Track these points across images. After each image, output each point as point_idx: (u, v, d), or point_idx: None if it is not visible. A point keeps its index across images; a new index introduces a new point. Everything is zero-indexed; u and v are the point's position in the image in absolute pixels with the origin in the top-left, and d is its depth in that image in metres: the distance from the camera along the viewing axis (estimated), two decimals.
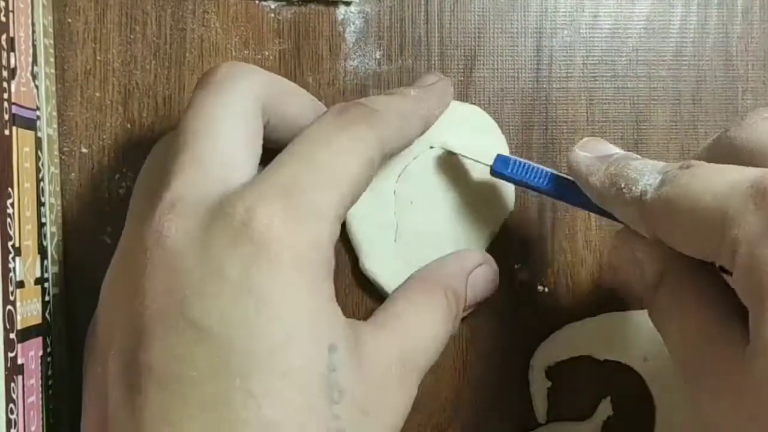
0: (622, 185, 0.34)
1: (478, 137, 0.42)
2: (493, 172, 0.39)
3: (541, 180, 0.39)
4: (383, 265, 0.41)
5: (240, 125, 0.34)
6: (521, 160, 0.39)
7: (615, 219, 0.36)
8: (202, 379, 0.30)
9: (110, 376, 0.32)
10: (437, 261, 0.40)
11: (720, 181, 0.31)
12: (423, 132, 0.38)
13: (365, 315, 0.38)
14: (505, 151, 0.42)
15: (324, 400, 0.31)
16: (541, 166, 0.39)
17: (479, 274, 0.40)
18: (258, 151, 0.35)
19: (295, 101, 0.37)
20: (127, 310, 0.32)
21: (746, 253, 0.29)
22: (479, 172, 0.41)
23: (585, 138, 0.37)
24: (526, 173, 0.39)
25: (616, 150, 0.37)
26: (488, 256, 0.41)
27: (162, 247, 0.31)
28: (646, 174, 0.34)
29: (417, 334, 0.36)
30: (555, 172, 0.39)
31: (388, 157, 0.35)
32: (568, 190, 0.38)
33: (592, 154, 0.37)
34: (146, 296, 0.31)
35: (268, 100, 0.35)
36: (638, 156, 0.36)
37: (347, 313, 0.34)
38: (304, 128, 0.34)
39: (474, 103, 0.43)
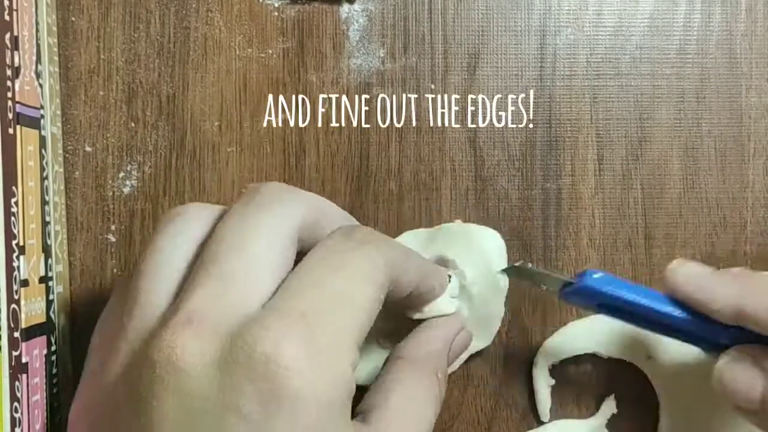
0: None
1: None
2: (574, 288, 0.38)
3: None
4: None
5: (275, 250, 0.32)
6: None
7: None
8: None
9: None
10: (421, 334, 0.39)
11: None
12: (416, 284, 0.36)
13: None
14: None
15: None
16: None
17: (458, 341, 0.40)
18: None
19: (331, 226, 0.35)
20: (134, 428, 0.30)
21: None
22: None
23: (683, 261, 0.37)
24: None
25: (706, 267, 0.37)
26: (461, 316, 0.41)
27: (174, 367, 0.29)
28: None
29: (414, 427, 0.35)
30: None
31: (393, 285, 0.34)
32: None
33: (694, 273, 0.36)
34: (155, 419, 0.30)
35: (306, 228, 0.34)
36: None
37: None
38: (316, 249, 0.33)
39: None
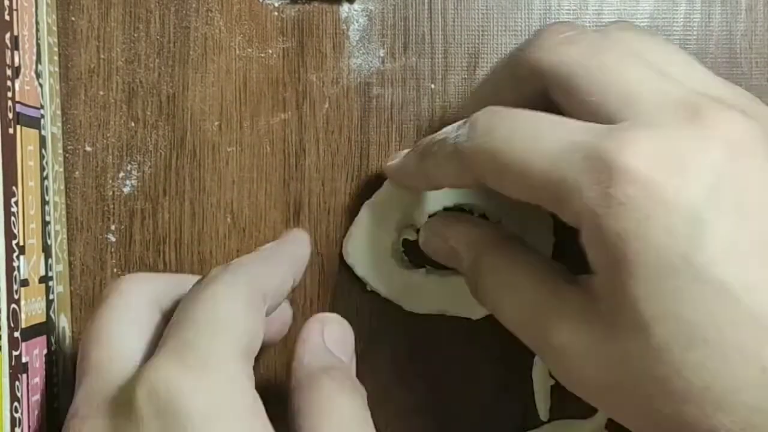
0: (435, 149, 0.36)
1: None
2: None
3: None
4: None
5: (127, 329, 0.34)
6: None
7: None
8: None
9: None
10: (299, 346, 0.36)
11: (550, 142, 0.32)
12: (297, 274, 0.37)
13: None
14: None
15: None
16: None
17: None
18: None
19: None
20: None
21: (593, 226, 0.30)
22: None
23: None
24: None
25: None
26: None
27: None
28: (452, 131, 0.35)
29: None
30: None
31: (274, 295, 0.35)
32: None
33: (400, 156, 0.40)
34: None
35: (162, 300, 0.35)
36: None
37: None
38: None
39: None
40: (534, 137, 0.32)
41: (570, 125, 0.32)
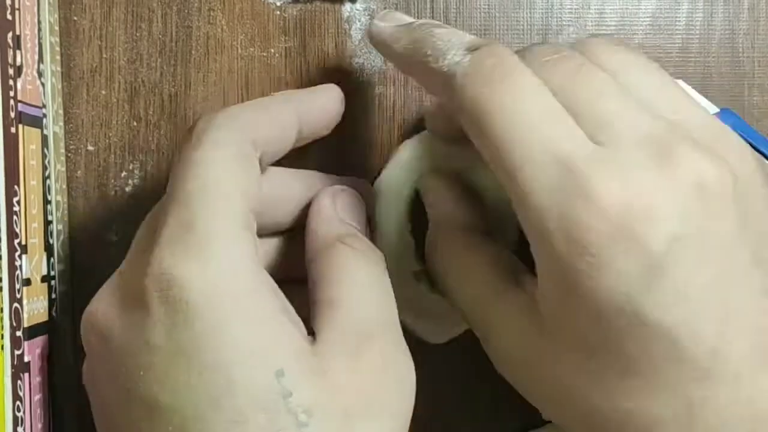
0: (428, 53, 0.34)
1: None
2: None
3: None
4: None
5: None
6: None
7: None
8: None
9: None
10: (311, 219, 0.36)
11: (536, 140, 0.31)
12: (307, 123, 0.36)
13: None
14: None
15: (290, 428, 0.29)
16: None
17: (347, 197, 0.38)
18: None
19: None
20: (97, 401, 0.33)
21: (547, 250, 0.31)
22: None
23: (384, 11, 0.37)
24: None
25: (415, 20, 0.36)
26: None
27: (95, 333, 0.32)
28: (453, 47, 0.33)
29: (358, 305, 0.33)
30: None
31: (272, 146, 0.34)
32: None
33: (393, 24, 0.36)
34: (100, 386, 0.32)
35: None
36: (441, 23, 0.35)
37: None
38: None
39: None
40: (524, 121, 0.31)
41: (562, 130, 0.31)
